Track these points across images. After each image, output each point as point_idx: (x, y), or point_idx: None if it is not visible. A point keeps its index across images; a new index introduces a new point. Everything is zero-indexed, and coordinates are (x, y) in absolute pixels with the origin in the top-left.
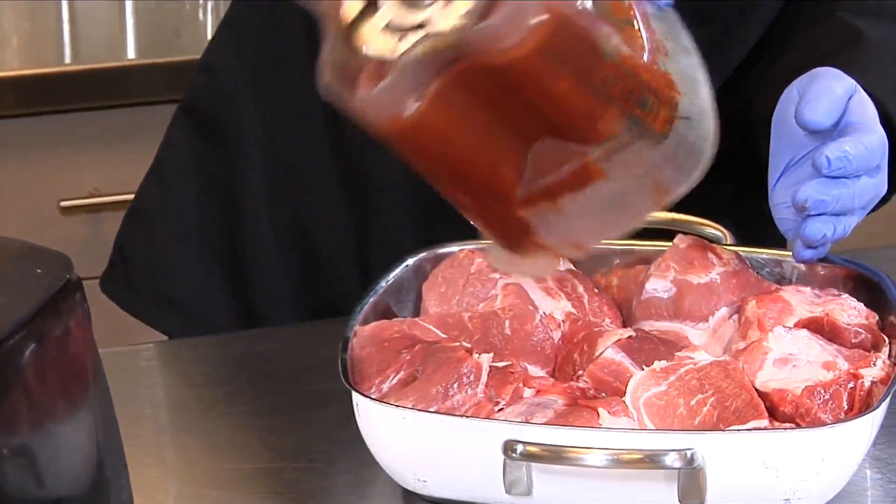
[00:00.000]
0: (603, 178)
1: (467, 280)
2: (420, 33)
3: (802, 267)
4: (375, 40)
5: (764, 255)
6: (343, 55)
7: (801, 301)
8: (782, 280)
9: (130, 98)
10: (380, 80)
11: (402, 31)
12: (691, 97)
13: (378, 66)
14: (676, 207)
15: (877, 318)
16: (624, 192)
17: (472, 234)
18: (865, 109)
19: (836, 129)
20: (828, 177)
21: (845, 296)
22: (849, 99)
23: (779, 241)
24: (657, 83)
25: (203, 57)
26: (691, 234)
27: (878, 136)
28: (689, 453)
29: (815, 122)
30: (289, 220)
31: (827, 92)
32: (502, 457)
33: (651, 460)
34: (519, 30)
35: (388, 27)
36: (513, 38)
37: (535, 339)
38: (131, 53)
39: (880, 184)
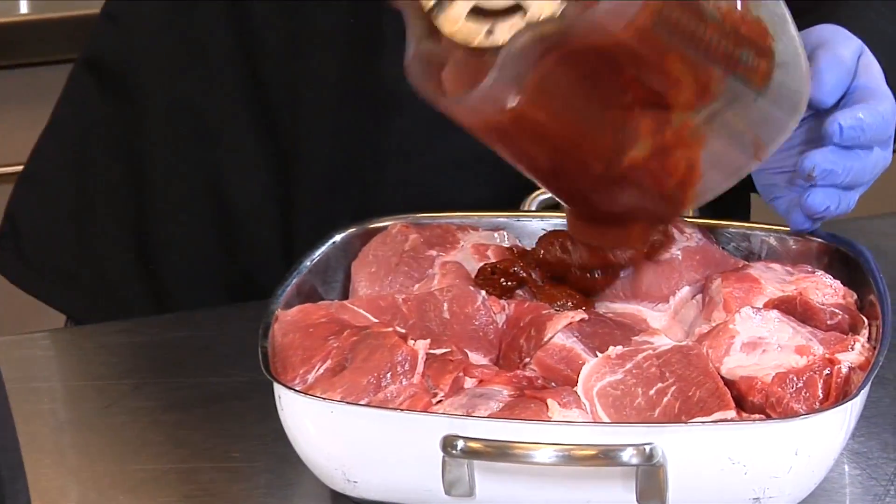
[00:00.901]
0: (704, 142)
1: (401, 258)
2: (512, 19)
3: (772, 241)
4: (462, 27)
5: (731, 229)
6: (428, 48)
7: (772, 279)
8: (750, 256)
9: (24, 58)
10: (470, 71)
11: (490, 16)
12: (784, 40)
13: (466, 56)
14: None
15: (855, 297)
16: (723, 152)
17: (407, 207)
18: (873, 71)
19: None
20: (838, 146)
21: (820, 272)
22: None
23: (746, 213)
24: (755, 34)
25: (106, 4)
26: None
27: (891, 103)
28: (647, 449)
29: (825, 101)
30: (203, 189)
31: (835, 64)
32: (441, 454)
33: (606, 457)
34: (629, 10)
35: (475, 12)
36: (623, 18)
37: (476, 323)
38: (24, 8)
39: (889, 156)
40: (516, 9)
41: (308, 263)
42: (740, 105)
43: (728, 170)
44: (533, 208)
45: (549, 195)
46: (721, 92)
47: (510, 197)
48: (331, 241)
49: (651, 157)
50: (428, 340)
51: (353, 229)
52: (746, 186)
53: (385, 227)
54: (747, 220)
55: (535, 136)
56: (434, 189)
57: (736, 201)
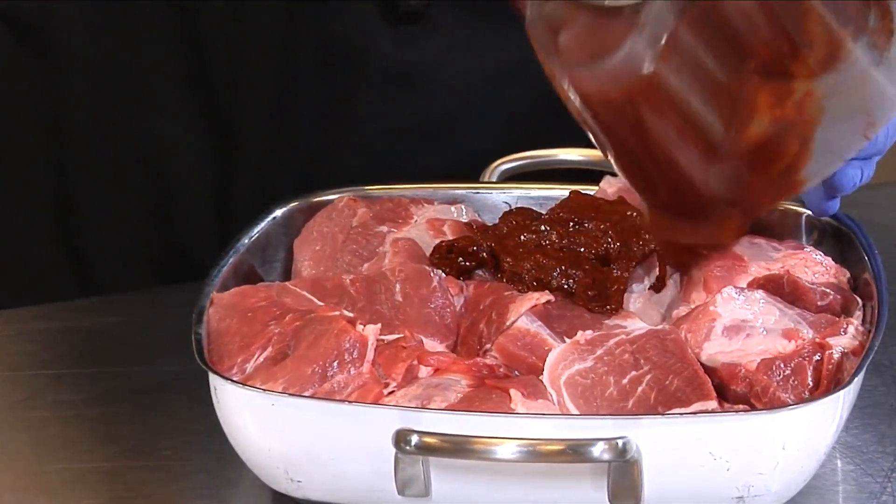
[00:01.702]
0: (822, 117)
1: (348, 235)
2: None
3: None
4: None
5: None
6: (552, 9)
7: (756, 255)
8: None
9: None
10: (597, 36)
11: None
12: None
13: (593, 18)
14: None
15: (847, 275)
16: (836, 130)
17: (355, 178)
18: None
19: None
20: None
21: (809, 248)
22: None
23: None
24: None
25: None
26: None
27: None
28: (620, 443)
29: None
30: (131, 156)
31: None
32: (393, 450)
33: (575, 452)
34: None
35: None
36: None
37: (432, 305)
38: None
39: None
40: None
41: (246, 241)
42: (860, 75)
43: (838, 149)
44: (494, 179)
45: (512, 164)
46: (847, 58)
47: (469, 167)
48: (271, 217)
49: (768, 134)
50: (378, 325)
51: (296, 203)
52: None
53: (331, 201)
54: None
55: (655, 110)
56: (385, 158)
57: None
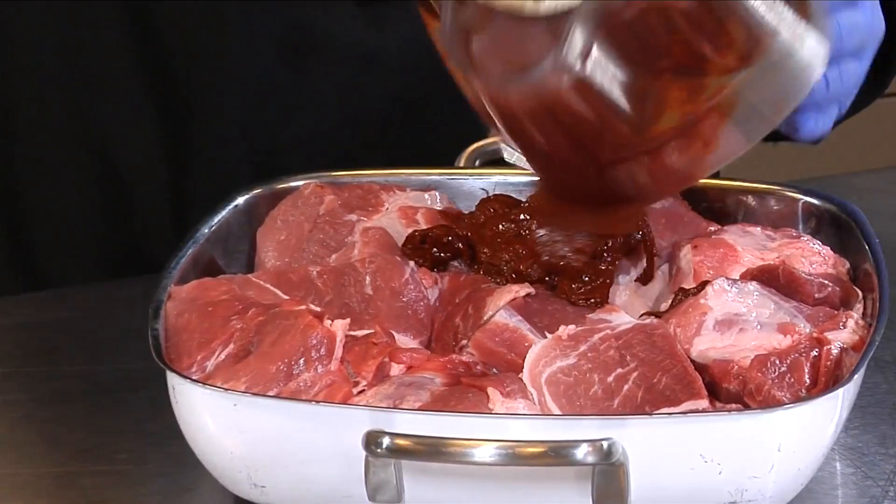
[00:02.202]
0: (734, 109)
1: (315, 223)
2: None
3: (750, 201)
4: None
5: (702, 186)
6: (466, 18)
7: (750, 245)
8: (725, 217)
9: None
10: (513, 44)
11: None
12: None
13: (508, 26)
14: None
15: (847, 265)
16: (746, 118)
17: (320, 163)
18: None
19: None
20: None
21: (806, 237)
22: None
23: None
24: None
25: None
26: None
27: (868, 14)
28: (605, 445)
29: None
30: (80, 143)
31: None
32: (363, 453)
33: (557, 455)
34: None
35: None
36: None
37: (404, 299)
38: None
39: (862, 70)
40: None
41: (206, 231)
42: (779, 63)
43: (747, 136)
44: (470, 164)
45: (490, 148)
46: (766, 51)
47: (444, 151)
48: (233, 205)
49: (677, 129)
50: (347, 320)
51: (259, 190)
52: None
53: (297, 188)
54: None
55: (571, 114)
56: (353, 144)
57: None
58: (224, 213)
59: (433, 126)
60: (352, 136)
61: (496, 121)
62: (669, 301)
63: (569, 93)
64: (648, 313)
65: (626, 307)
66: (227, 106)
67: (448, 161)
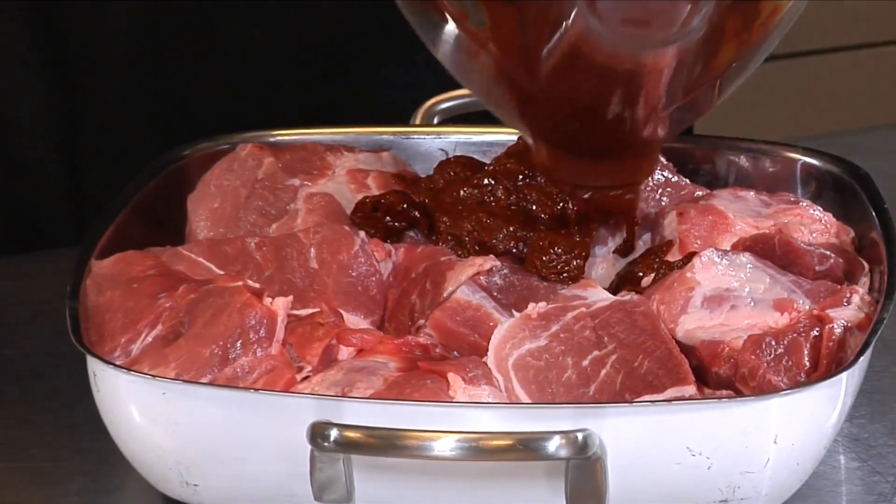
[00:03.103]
0: (770, 35)
1: (253, 189)
2: None
3: (743, 161)
4: None
5: (688, 146)
6: None
7: (743, 211)
8: (715, 181)
9: None
10: None
11: None
12: None
13: None
14: None
15: (851, 234)
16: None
17: (242, 125)
18: None
19: None
20: None
21: (806, 202)
22: None
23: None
24: None
25: None
26: None
27: None
28: (580, 437)
29: None
30: None
31: None
32: (309, 447)
33: (526, 448)
34: None
35: None
36: None
37: (354, 274)
38: None
39: None
40: None
41: (130, 197)
42: None
43: (756, 56)
44: (428, 122)
45: (450, 104)
46: None
47: (397, 107)
48: (159, 168)
49: (733, 60)
50: (290, 298)
51: (189, 151)
52: None
53: (232, 149)
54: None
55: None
56: (286, 100)
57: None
58: (150, 178)
59: (385, 78)
60: (284, 90)
61: (530, 75)
62: (652, 274)
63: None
64: (629, 289)
65: (603, 282)
66: (122, 63)
67: (403, 118)
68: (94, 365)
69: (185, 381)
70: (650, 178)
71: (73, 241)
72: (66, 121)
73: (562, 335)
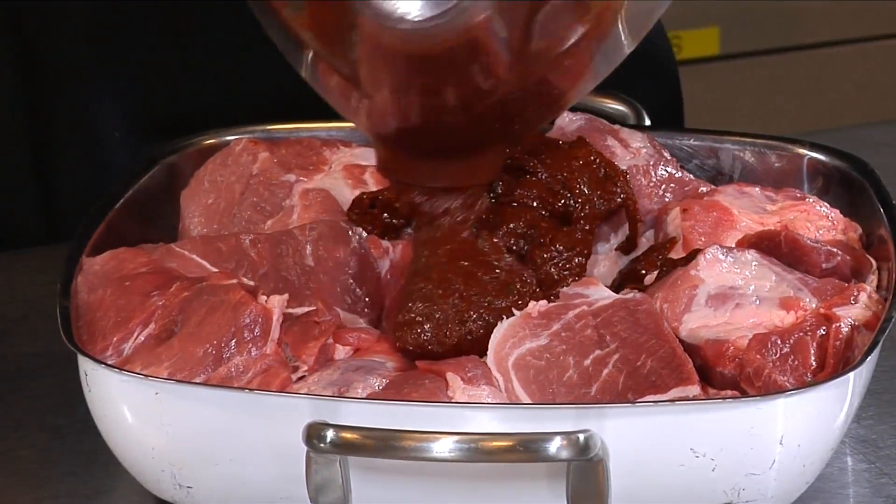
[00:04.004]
0: (613, 29)
1: (248, 185)
2: None
3: (748, 157)
4: None
5: (692, 140)
6: None
7: (748, 207)
8: (719, 177)
9: None
10: None
11: None
12: None
13: None
14: None
15: (859, 230)
16: (616, 36)
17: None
18: None
19: None
20: None
21: (812, 198)
22: None
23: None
24: None
25: None
26: (584, 111)
27: None
28: (582, 438)
29: None
30: None
31: None
32: (304, 448)
33: (526, 449)
34: None
35: None
36: None
37: (350, 271)
38: None
39: None
40: None
41: (122, 193)
42: None
43: (613, 58)
44: None
45: None
46: None
47: None
48: (152, 163)
49: (560, 55)
50: (285, 296)
51: (183, 146)
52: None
53: (226, 144)
54: (680, 117)
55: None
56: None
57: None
58: (143, 172)
59: None
60: (271, 83)
61: (360, 79)
62: (655, 272)
63: (466, 31)
64: (631, 287)
65: (605, 279)
66: (88, 55)
67: None
68: (85, 364)
69: (178, 381)
70: (653, 174)
71: (44, 237)
72: (33, 115)
73: (563, 334)
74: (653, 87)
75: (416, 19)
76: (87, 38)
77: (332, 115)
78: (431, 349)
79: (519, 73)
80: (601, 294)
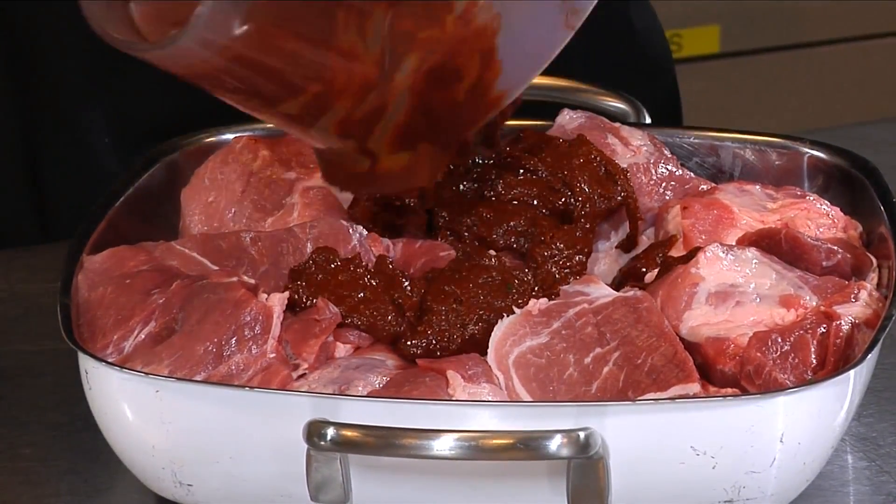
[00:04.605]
0: (500, 23)
1: (248, 182)
2: None
3: (748, 155)
4: None
5: (693, 138)
6: None
7: (748, 205)
8: (720, 174)
9: None
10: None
11: None
12: None
13: None
14: (565, 71)
15: (859, 229)
16: (527, 29)
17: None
18: None
19: None
20: None
21: (812, 196)
22: None
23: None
24: None
25: None
26: (584, 108)
27: None
28: (582, 435)
29: None
30: None
31: None
32: (305, 446)
33: (527, 447)
34: None
35: None
36: None
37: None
38: None
39: None
40: None
41: (122, 191)
42: None
43: (536, 50)
44: None
45: None
46: None
47: None
48: (152, 161)
49: (432, 61)
50: (286, 294)
51: (183, 144)
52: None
53: (227, 142)
54: (678, 116)
55: (268, 67)
56: None
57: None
58: (143, 171)
59: None
60: None
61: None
62: (656, 269)
63: (246, 41)
64: (632, 285)
65: (605, 277)
66: (77, 54)
67: None
68: (85, 362)
69: (178, 378)
70: (653, 172)
71: (38, 239)
72: (23, 120)
73: (563, 332)
74: (650, 86)
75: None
76: (77, 43)
77: None
78: (437, 354)
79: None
80: (602, 292)
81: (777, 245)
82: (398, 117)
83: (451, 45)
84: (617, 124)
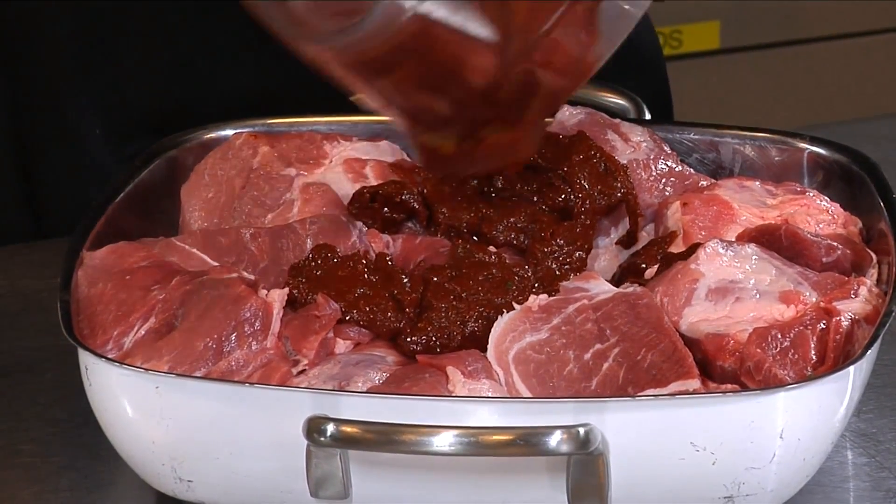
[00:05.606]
0: None
1: (248, 179)
2: None
3: (748, 150)
4: None
5: (693, 134)
6: None
7: (748, 201)
8: (719, 171)
9: None
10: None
11: None
12: None
13: None
14: None
15: (859, 224)
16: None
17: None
18: None
19: None
20: None
21: (812, 192)
22: None
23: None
24: None
25: None
26: (584, 105)
27: None
28: (582, 431)
29: None
30: None
31: None
32: (305, 442)
33: (527, 443)
34: None
35: None
36: None
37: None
38: None
39: None
40: None
41: (122, 187)
42: None
43: (624, 14)
44: None
45: None
46: None
47: None
48: (152, 157)
49: (557, 24)
50: (286, 290)
51: (183, 140)
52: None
53: (226, 138)
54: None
55: (429, 48)
56: (269, 86)
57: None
58: (143, 167)
59: None
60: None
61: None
62: (655, 265)
63: (415, 29)
64: (632, 281)
65: (605, 274)
66: (69, 49)
67: None
68: (85, 358)
69: (178, 374)
70: (653, 168)
71: (31, 234)
72: (13, 113)
73: (563, 328)
74: (640, 81)
75: (328, 37)
76: (67, 35)
77: (332, 109)
78: (437, 350)
79: (510, 53)
80: (601, 288)
81: (777, 241)
82: (510, 93)
83: (566, 16)
84: (617, 120)
